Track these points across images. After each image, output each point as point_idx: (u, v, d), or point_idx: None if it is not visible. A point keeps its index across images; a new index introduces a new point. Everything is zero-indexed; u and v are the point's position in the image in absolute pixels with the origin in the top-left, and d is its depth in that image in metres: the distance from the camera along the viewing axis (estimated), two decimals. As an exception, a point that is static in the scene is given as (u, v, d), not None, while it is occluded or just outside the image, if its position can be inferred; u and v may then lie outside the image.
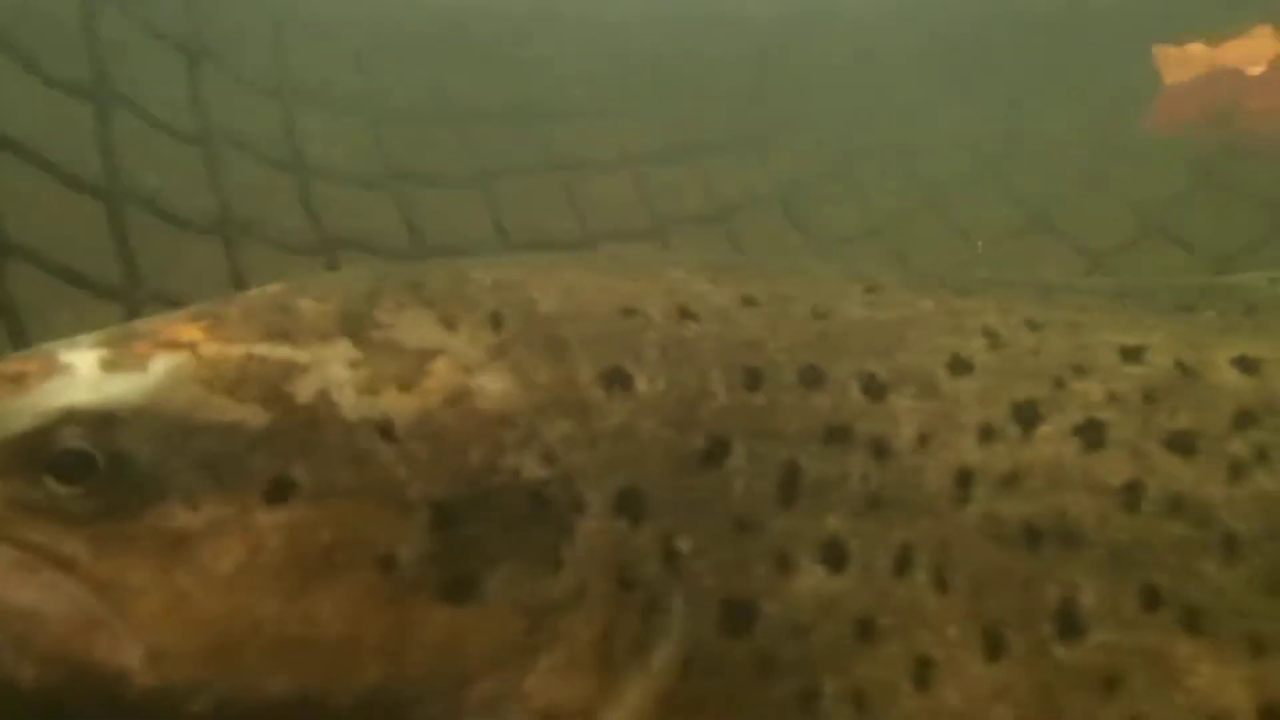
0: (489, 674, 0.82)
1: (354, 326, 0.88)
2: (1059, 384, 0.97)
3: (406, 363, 0.87)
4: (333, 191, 1.77)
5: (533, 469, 0.85)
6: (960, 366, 0.98)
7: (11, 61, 1.38)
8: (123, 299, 1.34)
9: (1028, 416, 0.95)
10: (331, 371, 0.84)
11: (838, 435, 0.93)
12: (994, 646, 0.89)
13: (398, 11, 2.10)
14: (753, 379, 0.94)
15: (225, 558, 0.78)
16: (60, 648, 0.74)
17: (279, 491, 0.79)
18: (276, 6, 1.82)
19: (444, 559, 0.82)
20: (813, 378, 0.95)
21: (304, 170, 1.73)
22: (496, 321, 0.92)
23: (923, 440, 0.93)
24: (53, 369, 0.81)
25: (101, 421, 0.78)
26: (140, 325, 0.89)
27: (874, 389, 0.96)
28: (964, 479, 0.92)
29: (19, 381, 0.80)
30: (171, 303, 1.38)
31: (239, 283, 1.51)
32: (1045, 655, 0.88)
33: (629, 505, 0.87)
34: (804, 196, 2.20)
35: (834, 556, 0.89)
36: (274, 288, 0.94)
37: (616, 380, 0.91)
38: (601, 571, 0.85)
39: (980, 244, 2.05)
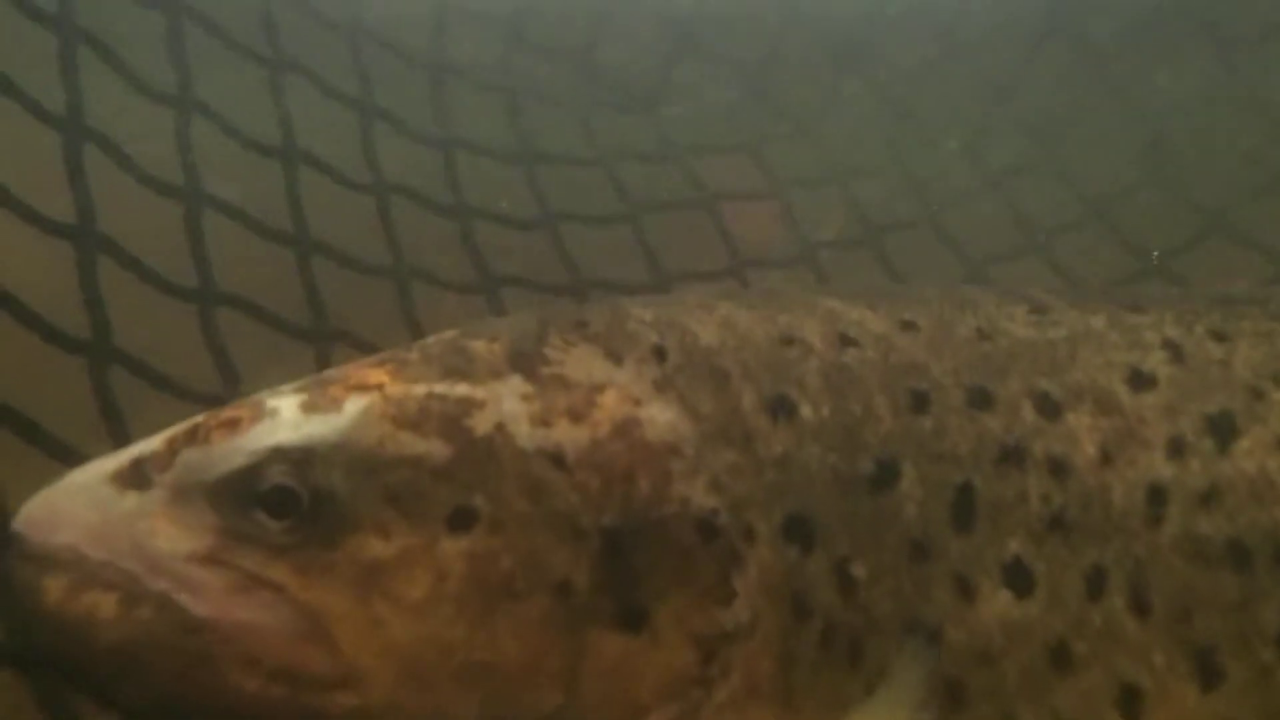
0: (665, 704, 0.84)
1: (525, 364, 0.93)
2: (1256, 395, 0.94)
3: (576, 396, 0.90)
4: (493, 233, 1.85)
5: (701, 498, 0.87)
6: (1141, 381, 0.96)
7: (213, 128, 1.51)
8: (312, 339, 1.44)
9: (1223, 430, 0.92)
10: (506, 405, 0.89)
11: (1012, 456, 0.92)
12: (1209, 674, 0.86)
13: (540, 60, 2.18)
14: (918, 402, 0.95)
15: (415, 585, 0.83)
16: (279, 662, 0.81)
17: (461, 520, 0.84)
18: (430, 56, 1.91)
19: (616, 587, 0.84)
20: (981, 399, 0.95)
21: (466, 214, 1.81)
22: (660, 355, 0.95)
23: (1106, 458, 0.92)
24: (261, 413, 0.89)
25: (303, 458, 0.85)
26: (333, 373, 0.97)
27: (1048, 408, 0.95)
28: (1156, 496, 0.90)
29: (233, 425, 0.88)
30: (354, 341, 1.48)
31: (410, 320, 1.60)
32: (1270, 683, 0.85)
33: (799, 532, 0.89)
34: (955, 215, 2.16)
35: (1019, 580, 0.88)
36: (448, 334, 1.01)
37: (780, 408, 0.92)
38: (775, 601, 0.86)
39: (1156, 255, 1.96)
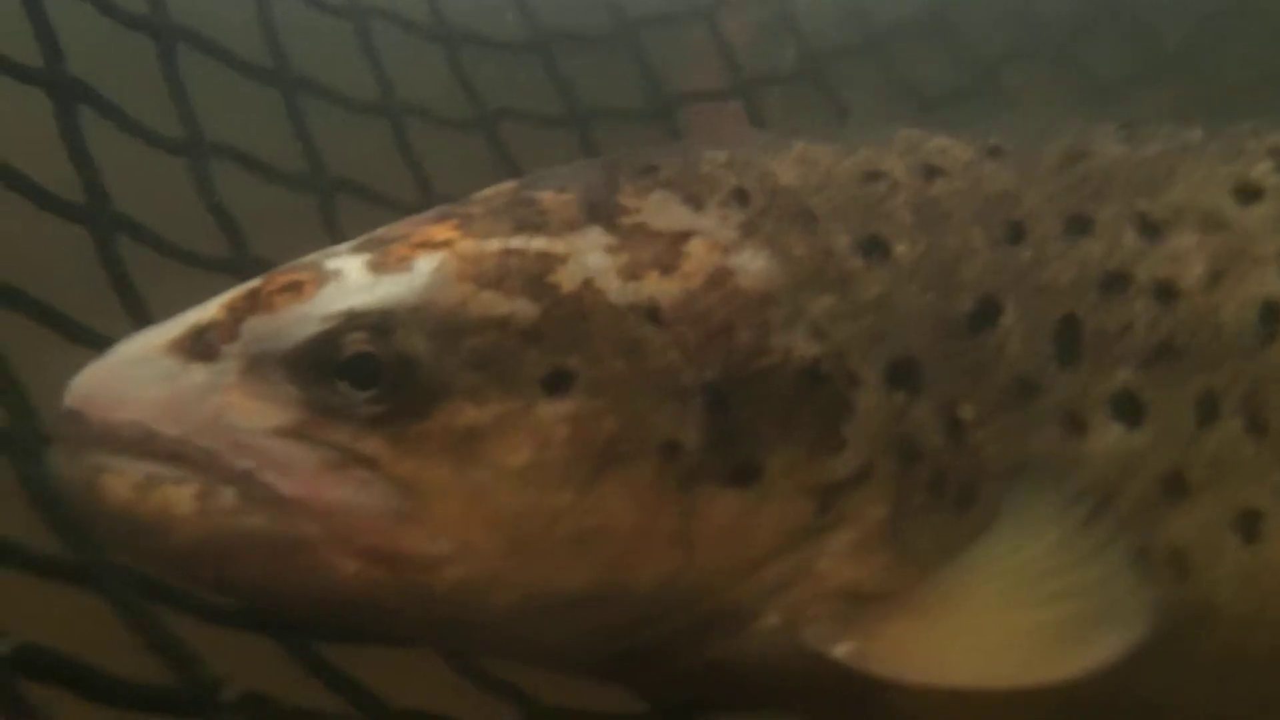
0: (781, 556, 0.82)
1: (601, 213, 0.85)
2: None
3: (661, 246, 0.84)
4: (483, 58, 1.71)
5: (803, 347, 0.83)
6: (1248, 194, 0.91)
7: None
8: (315, 189, 1.34)
9: None
10: (590, 259, 0.82)
11: (1116, 282, 0.88)
12: None
13: None
14: (1014, 232, 0.89)
15: (515, 452, 0.77)
16: (377, 541, 0.76)
17: (558, 383, 0.79)
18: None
19: (724, 443, 0.80)
20: (1079, 225, 0.90)
21: (451, 39, 1.67)
22: (741, 197, 0.88)
23: (1215, 277, 0.88)
24: (323, 275, 0.81)
25: (382, 323, 0.78)
26: (388, 231, 0.88)
27: (1149, 229, 0.90)
28: (1270, 314, 0.87)
29: (296, 290, 0.80)
30: (358, 190, 1.37)
31: (413, 163, 1.48)
32: None
33: (903, 376, 0.85)
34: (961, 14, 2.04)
35: (1129, 411, 0.85)
36: (506, 185, 0.92)
37: (873, 248, 0.87)
38: (884, 448, 0.83)
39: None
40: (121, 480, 0.75)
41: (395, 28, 1.62)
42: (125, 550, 0.82)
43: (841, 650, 0.79)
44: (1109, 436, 0.84)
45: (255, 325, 0.78)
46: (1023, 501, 0.81)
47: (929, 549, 0.83)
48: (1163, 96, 1.91)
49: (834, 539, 0.82)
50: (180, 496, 0.74)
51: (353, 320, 0.78)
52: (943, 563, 0.82)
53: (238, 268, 1.16)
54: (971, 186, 0.89)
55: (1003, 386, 0.84)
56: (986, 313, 0.85)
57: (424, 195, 1.44)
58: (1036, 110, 1.81)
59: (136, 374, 0.77)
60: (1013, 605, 0.79)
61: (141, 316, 1.02)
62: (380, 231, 0.88)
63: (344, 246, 0.86)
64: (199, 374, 0.77)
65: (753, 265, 0.84)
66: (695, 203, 0.86)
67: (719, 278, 0.83)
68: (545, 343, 0.79)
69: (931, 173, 0.90)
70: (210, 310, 0.81)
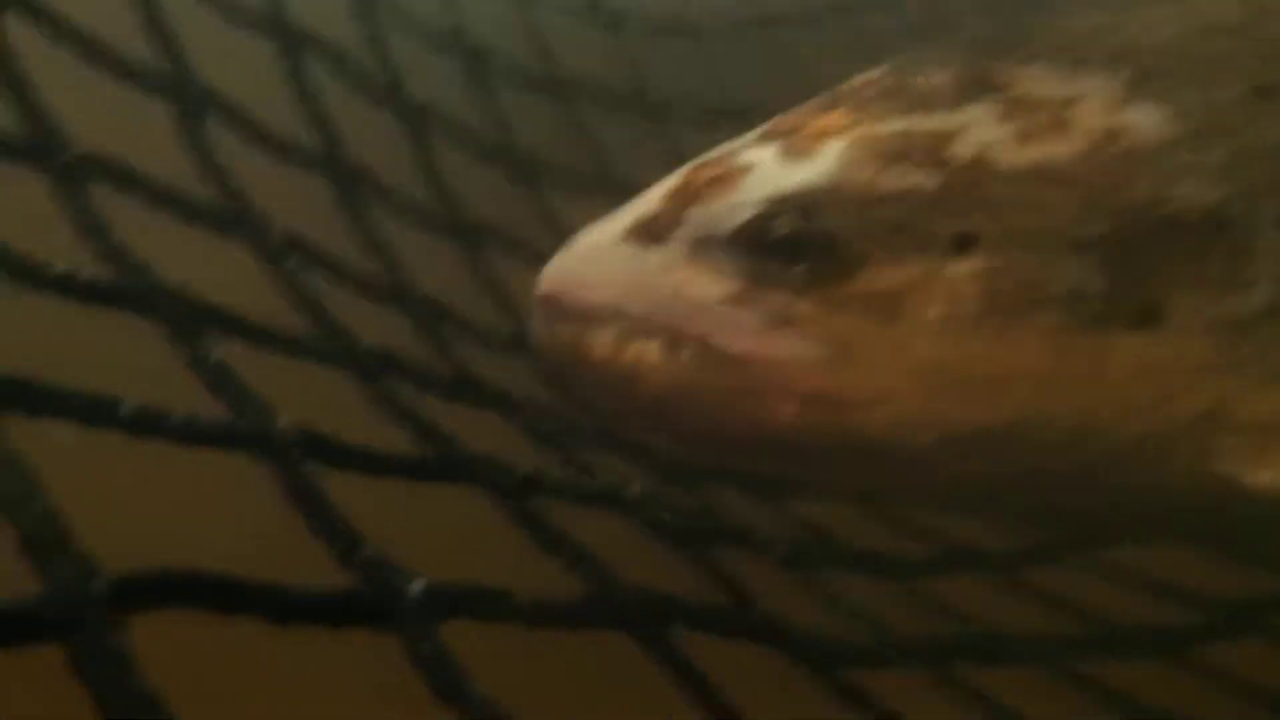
0: (1189, 393, 0.86)
1: (979, 90, 0.92)
2: None
3: (1049, 112, 0.90)
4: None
5: (1203, 194, 0.87)
6: None
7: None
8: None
9: None
10: (980, 131, 0.89)
11: None
12: None
13: None
14: None
15: (930, 308, 0.85)
16: (813, 388, 0.85)
17: (964, 244, 0.86)
18: None
19: (1125, 291, 0.85)
20: None
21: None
22: (1121, 59, 0.91)
23: None
24: (743, 167, 0.91)
25: (804, 204, 0.87)
26: (784, 121, 0.96)
27: None
28: None
29: (725, 181, 0.90)
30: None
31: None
32: None
33: None
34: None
35: None
36: (875, 72, 0.97)
37: (1263, 96, 0.88)
38: None
39: None
40: (601, 338, 0.86)
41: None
42: (601, 403, 0.91)
43: (1260, 478, 0.84)
44: None
45: (696, 213, 0.88)
46: None
47: None
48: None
49: (1244, 374, 0.86)
50: (650, 350, 0.85)
51: (780, 204, 0.87)
52: None
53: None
54: None
55: None
56: None
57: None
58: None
59: (601, 260, 0.89)
60: None
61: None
62: (772, 124, 0.97)
63: (749, 138, 0.95)
64: (653, 257, 0.87)
65: (1145, 121, 0.87)
66: (1075, 68, 0.90)
67: (1111, 135, 0.88)
68: (949, 208, 0.86)
69: None
70: (652, 203, 0.91)
